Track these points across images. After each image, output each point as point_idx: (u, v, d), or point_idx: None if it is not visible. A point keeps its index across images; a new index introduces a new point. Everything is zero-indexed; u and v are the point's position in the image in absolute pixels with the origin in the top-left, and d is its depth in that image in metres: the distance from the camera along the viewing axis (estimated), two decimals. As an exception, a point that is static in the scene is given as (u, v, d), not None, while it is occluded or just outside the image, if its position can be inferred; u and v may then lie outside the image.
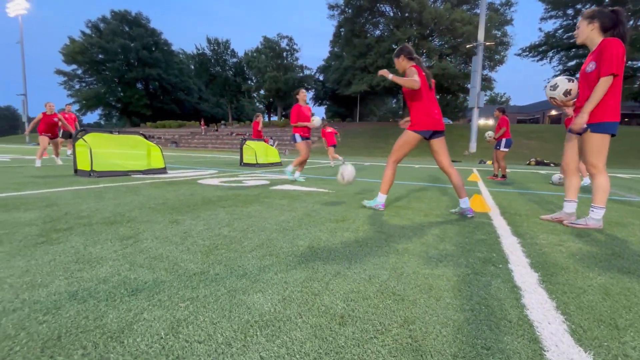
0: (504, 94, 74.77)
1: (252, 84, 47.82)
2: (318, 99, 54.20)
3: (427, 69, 2.86)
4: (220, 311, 1.06)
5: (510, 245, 1.97)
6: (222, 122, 46.04)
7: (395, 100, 74.88)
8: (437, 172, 8.33)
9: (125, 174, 5.25)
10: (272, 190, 4.02)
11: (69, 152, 10.38)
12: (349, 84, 36.82)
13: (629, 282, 1.42)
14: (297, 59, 46.65)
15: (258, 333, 0.94)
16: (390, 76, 2.75)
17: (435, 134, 2.90)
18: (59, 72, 45.93)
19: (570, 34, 32.72)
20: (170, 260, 1.50)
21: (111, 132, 5.70)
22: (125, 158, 5.59)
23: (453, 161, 19.27)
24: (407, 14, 32.07)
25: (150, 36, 49.01)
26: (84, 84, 48.18)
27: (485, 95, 29.64)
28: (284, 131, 34.16)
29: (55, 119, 7.30)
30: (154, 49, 49.56)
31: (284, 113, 50.56)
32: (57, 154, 7.86)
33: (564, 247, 1.94)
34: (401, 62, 2.92)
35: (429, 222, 2.52)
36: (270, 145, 10.74)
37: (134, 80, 48.77)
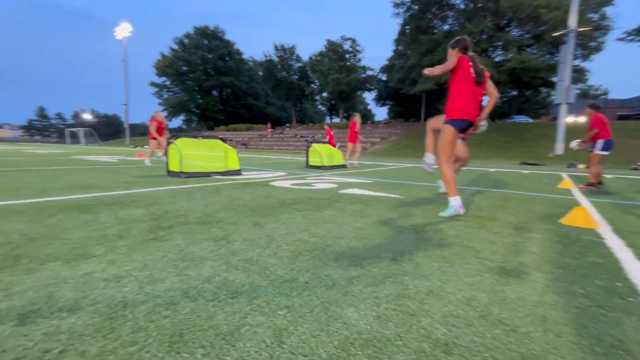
0: (600, 85, 64.15)
1: (315, 86, 49.07)
2: (380, 100, 53.24)
3: (480, 65, 2.75)
4: (318, 323, 1.06)
5: (637, 272, 1.64)
6: (287, 124, 48.08)
7: (464, 98, 69.69)
8: (513, 178, 7.49)
9: (207, 175, 5.77)
10: (341, 194, 4.03)
11: (160, 154, 11.90)
12: (414, 83, 35.41)
13: None
14: (360, 59, 46.44)
15: (360, 352, 0.92)
16: (427, 71, 2.62)
17: (469, 127, 2.86)
18: (152, 84, 52.99)
19: (697, 9, 26.66)
20: (261, 264, 1.58)
21: (195, 137, 6.33)
22: (207, 160, 6.15)
23: (534, 164, 17.07)
24: (480, 5, 29.66)
25: (225, 47, 53.64)
26: (171, 93, 54.81)
27: (577, 89, 25.83)
28: (345, 133, 34.31)
29: (163, 125, 9.26)
30: (227, 58, 54.11)
31: (345, 115, 50.74)
32: (165, 153, 9.70)
33: None
34: (454, 55, 2.80)
35: (522, 238, 2.25)
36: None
37: (210, 88, 53.88)
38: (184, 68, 51.61)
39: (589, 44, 28.53)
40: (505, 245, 2.06)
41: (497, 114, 46.09)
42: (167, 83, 53.63)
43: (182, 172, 5.47)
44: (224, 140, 6.65)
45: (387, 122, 40.21)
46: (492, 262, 1.74)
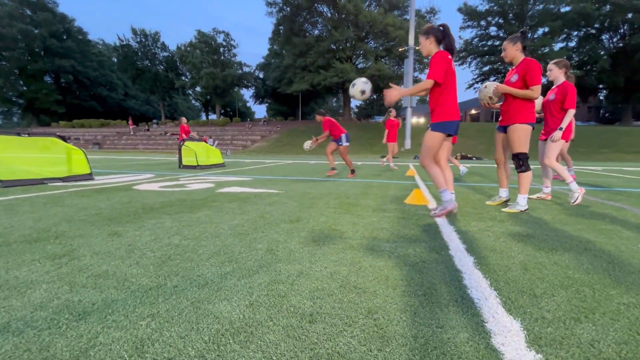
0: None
1: (187, 80, 44.94)
2: (259, 97, 53.16)
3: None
4: (187, 324, 1.02)
5: (449, 233, 2.21)
6: (154, 120, 42.52)
7: (335, 99, 76.82)
8: (376, 171, 8.83)
9: (41, 182, 4.57)
10: (219, 193, 3.88)
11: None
12: (290, 83, 36.82)
13: (540, 257, 1.72)
14: (235, 55, 45.09)
15: (231, 341, 0.94)
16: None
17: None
18: None
19: (484, 42, 37.21)
20: (118, 276, 1.39)
21: (19, 134, 4.89)
22: (40, 164, 4.87)
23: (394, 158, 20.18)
24: (344, 16, 33.12)
25: (59, 23, 42.88)
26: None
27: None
28: (224, 130, 32.84)
29: None
30: (65, 37, 43.58)
31: (222, 111, 48.52)
32: None
33: (491, 232, 2.25)
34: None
35: (378, 217, 2.69)
36: (210, 145, 10.33)
37: (40, 73, 42.28)
38: (-6, 43, 38.75)
39: (423, 60, 35.90)
40: (365, 225, 2.43)
41: (363, 114, 52.78)
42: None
43: (0, 181, 4.15)
44: (64, 138, 5.37)
45: (267, 120, 40.57)
46: (354, 240, 2.02)
